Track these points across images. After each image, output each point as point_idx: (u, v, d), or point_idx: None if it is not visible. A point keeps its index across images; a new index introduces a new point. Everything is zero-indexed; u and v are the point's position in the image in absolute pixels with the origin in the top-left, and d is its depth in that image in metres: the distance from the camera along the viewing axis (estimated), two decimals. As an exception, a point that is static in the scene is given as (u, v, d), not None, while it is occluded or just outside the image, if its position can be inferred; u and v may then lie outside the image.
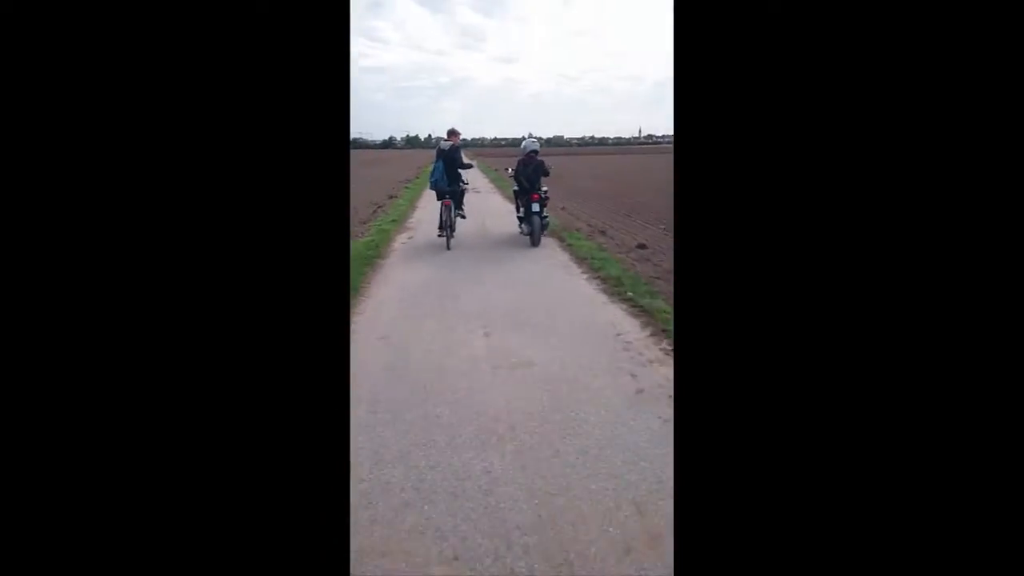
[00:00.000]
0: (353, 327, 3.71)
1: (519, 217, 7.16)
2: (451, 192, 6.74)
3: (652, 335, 3.52)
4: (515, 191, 7.29)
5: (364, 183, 16.04)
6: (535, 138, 7.43)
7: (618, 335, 3.54)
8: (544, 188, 6.90)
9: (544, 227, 6.83)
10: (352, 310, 4.07)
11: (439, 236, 6.73)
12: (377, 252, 6.34)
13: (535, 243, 6.70)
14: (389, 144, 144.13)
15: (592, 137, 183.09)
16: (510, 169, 7.33)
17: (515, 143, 7.93)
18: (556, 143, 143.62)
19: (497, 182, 16.01)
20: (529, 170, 6.86)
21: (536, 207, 6.67)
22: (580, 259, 5.88)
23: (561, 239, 7.03)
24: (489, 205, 10.98)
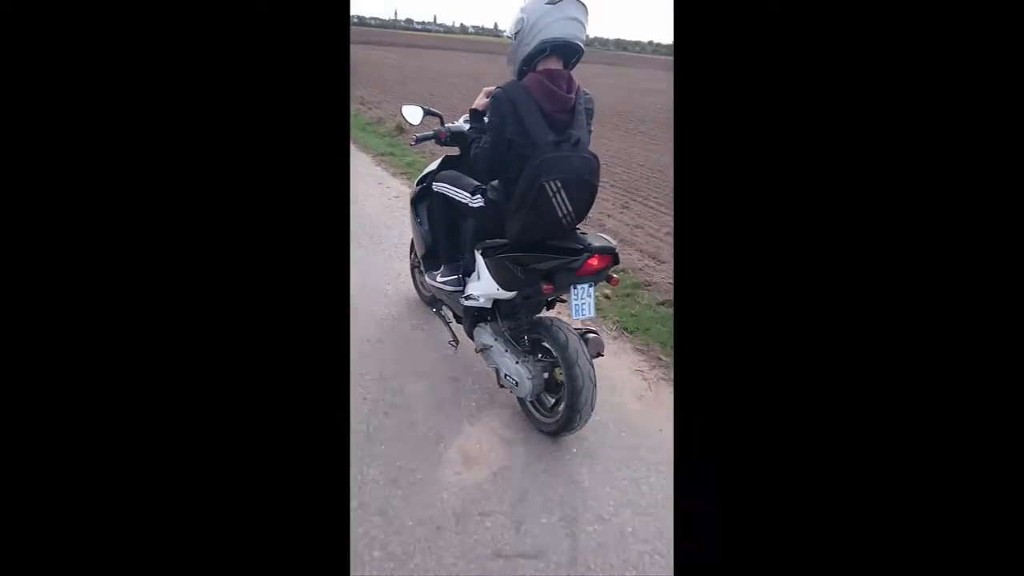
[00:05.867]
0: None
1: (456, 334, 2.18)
2: None
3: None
4: (439, 238, 2.05)
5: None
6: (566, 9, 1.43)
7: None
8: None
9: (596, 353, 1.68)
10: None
11: None
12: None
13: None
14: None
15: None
16: (428, 130, 2.05)
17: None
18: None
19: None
20: (566, 143, 1.44)
21: (585, 305, 1.57)
22: None
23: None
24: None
